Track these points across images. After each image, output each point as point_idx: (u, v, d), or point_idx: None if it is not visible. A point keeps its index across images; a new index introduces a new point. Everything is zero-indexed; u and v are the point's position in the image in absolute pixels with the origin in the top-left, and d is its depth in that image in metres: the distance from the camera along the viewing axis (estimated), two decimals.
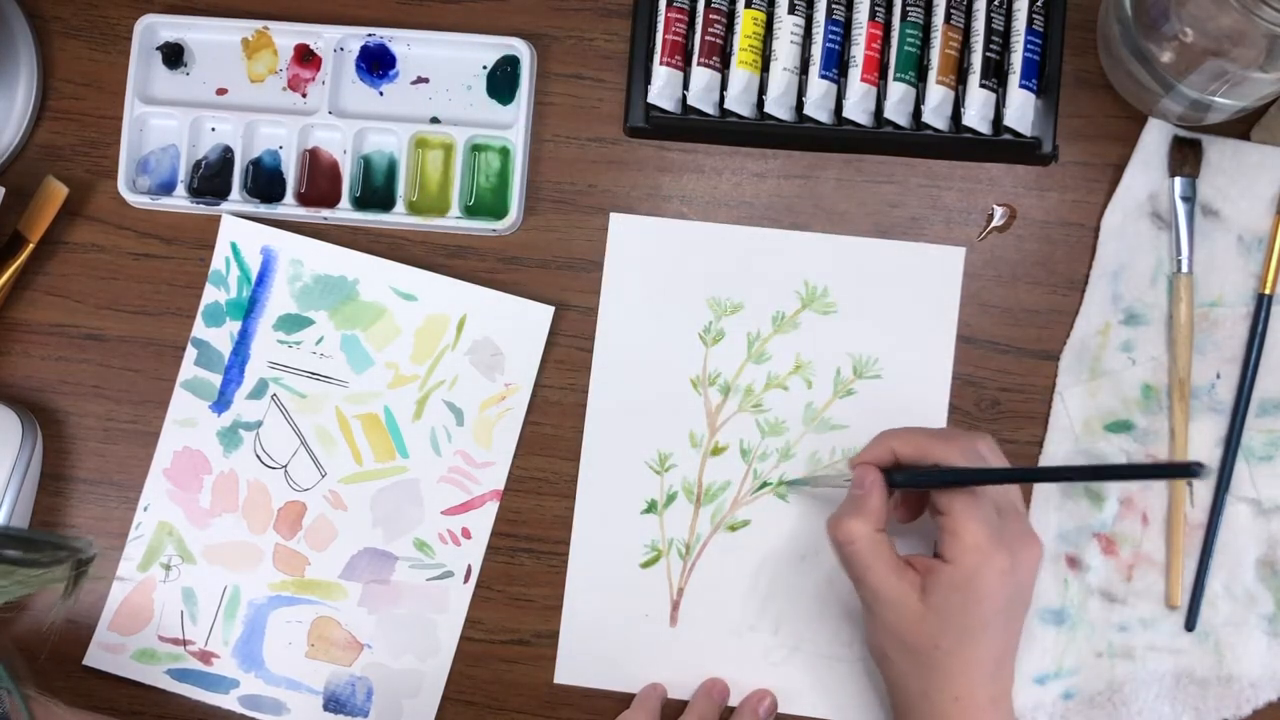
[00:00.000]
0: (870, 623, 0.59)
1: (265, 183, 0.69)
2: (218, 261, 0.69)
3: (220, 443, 0.69)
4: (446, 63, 0.69)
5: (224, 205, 0.68)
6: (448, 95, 0.69)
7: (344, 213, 0.68)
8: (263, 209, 0.68)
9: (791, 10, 0.65)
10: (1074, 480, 0.56)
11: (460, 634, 0.67)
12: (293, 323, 0.68)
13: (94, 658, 0.68)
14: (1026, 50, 0.64)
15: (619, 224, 0.68)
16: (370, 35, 0.68)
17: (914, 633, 0.57)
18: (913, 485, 0.59)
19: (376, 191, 0.69)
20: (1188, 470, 0.49)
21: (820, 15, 0.65)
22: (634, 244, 0.67)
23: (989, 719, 0.57)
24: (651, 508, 0.67)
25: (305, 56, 0.69)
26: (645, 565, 0.67)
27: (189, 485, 0.69)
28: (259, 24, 0.69)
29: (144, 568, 0.69)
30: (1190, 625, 0.64)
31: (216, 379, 0.69)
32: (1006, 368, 0.66)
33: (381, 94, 0.69)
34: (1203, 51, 0.57)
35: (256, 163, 0.69)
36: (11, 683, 0.57)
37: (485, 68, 0.69)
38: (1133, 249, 0.65)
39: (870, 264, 0.67)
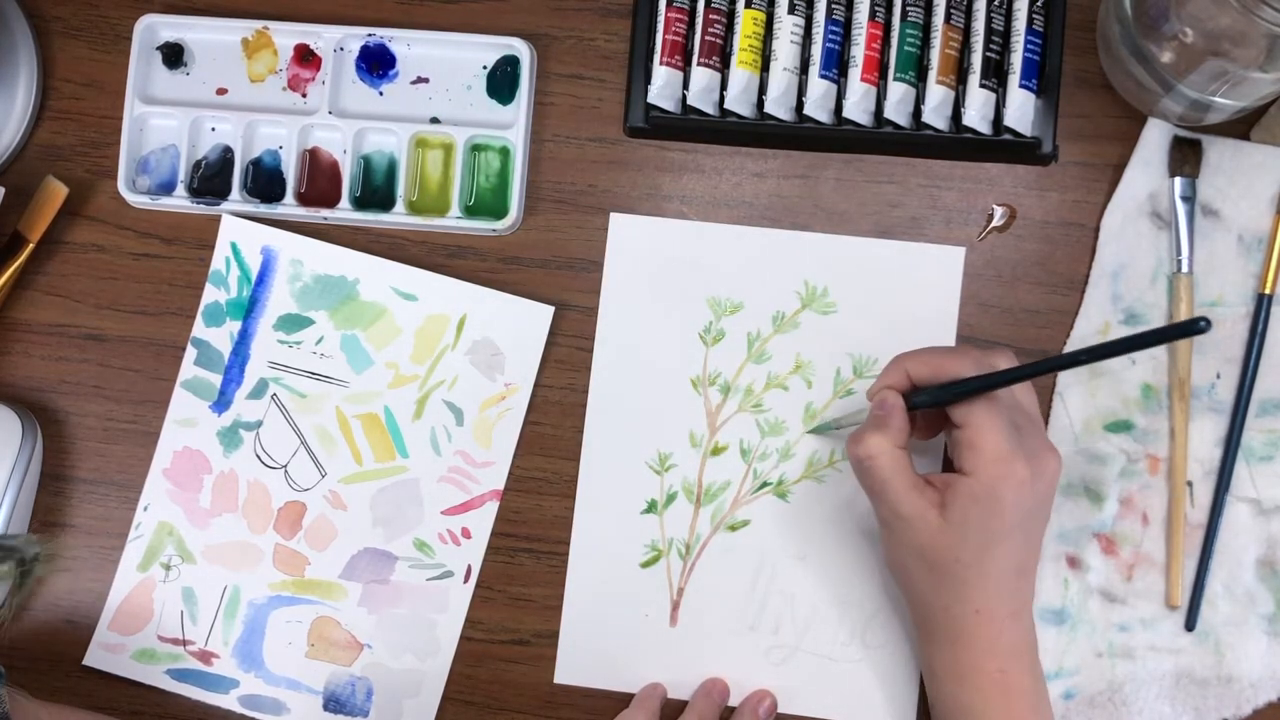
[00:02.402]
0: (889, 540, 0.59)
1: (265, 183, 0.69)
2: (218, 261, 0.69)
3: (220, 443, 0.69)
4: (446, 63, 0.69)
5: (224, 205, 0.68)
6: (448, 95, 0.69)
7: (344, 213, 0.68)
8: (263, 209, 0.68)
9: (791, 10, 0.65)
10: (1085, 362, 0.52)
11: (460, 634, 0.67)
12: (293, 323, 0.68)
13: (94, 658, 0.68)
14: (1026, 50, 0.64)
15: (619, 224, 0.68)
16: (370, 35, 0.68)
17: (934, 547, 0.57)
18: (931, 404, 0.58)
19: (376, 191, 0.69)
20: (1194, 327, 0.48)
21: (820, 15, 0.65)
22: (634, 244, 0.67)
23: (1010, 632, 0.57)
24: (651, 508, 0.67)
25: (305, 56, 0.69)
26: (645, 565, 0.67)
27: (189, 485, 0.69)
28: (259, 24, 0.69)
29: (144, 568, 0.69)
30: (1190, 625, 0.64)
31: (216, 379, 0.69)
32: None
33: (381, 94, 0.69)
34: (1203, 51, 0.57)
35: (256, 163, 0.69)
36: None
37: (485, 68, 0.69)
38: (1133, 249, 0.65)
39: (870, 264, 0.67)
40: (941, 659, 0.59)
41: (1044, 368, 0.56)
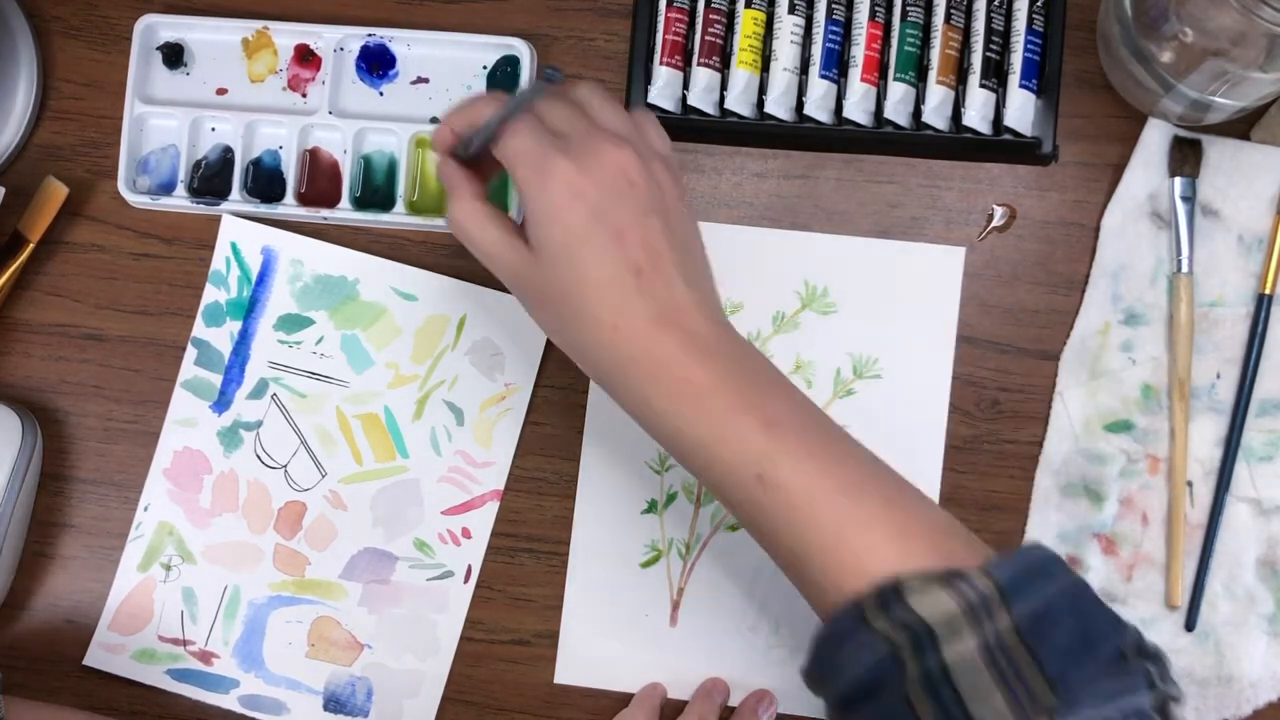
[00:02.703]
0: (520, 301, 0.55)
1: (265, 183, 0.69)
2: (218, 261, 0.69)
3: (220, 443, 0.69)
4: (446, 63, 0.69)
5: (224, 205, 0.68)
6: (448, 95, 0.69)
7: (344, 213, 0.68)
8: (263, 209, 0.68)
9: (791, 10, 0.65)
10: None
11: (460, 634, 0.67)
12: (293, 323, 0.68)
13: (94, 658, 0.68)
14: (1026, 50, 0.64)
15: None
16: (370, 35, 0.68)
17: (535, 283, 0.52)
18: (474, 151, 0.54)
19: (376, 191, 0.69)
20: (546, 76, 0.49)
21: (820, 15, 0.65)
22: None
23: (658, 341, 0.50)
24: (652, 508, 0.67)
25: (305, 56, 0.69)
26: (645, 565, 0.67)
27: (189, 485, 0.69)
28: (259, 24, 0.69)
29: (144, 568, 0.69)
30: (1190, 625, 0.64)
31: (216, 379, 0.69)
32: (1006, 368, 0.66)
33: (381, 94, 0.69)
34: (1203, 51, 0.57)
35: (256, 163, 0.69)
36: None
37: (485, 68, 0.69)
38: (1133, 249, 0.65)
39: (870, 264, 0.67)
40: (625, 401, 0.53)
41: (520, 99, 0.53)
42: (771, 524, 0.50)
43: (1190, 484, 0.65)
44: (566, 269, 0.51)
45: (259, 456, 0.68)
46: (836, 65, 0.65)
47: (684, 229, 0.53)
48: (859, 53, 0.65)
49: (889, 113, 0.65)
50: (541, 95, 0.54)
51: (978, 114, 0.64)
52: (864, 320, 0.66)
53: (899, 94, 0.65)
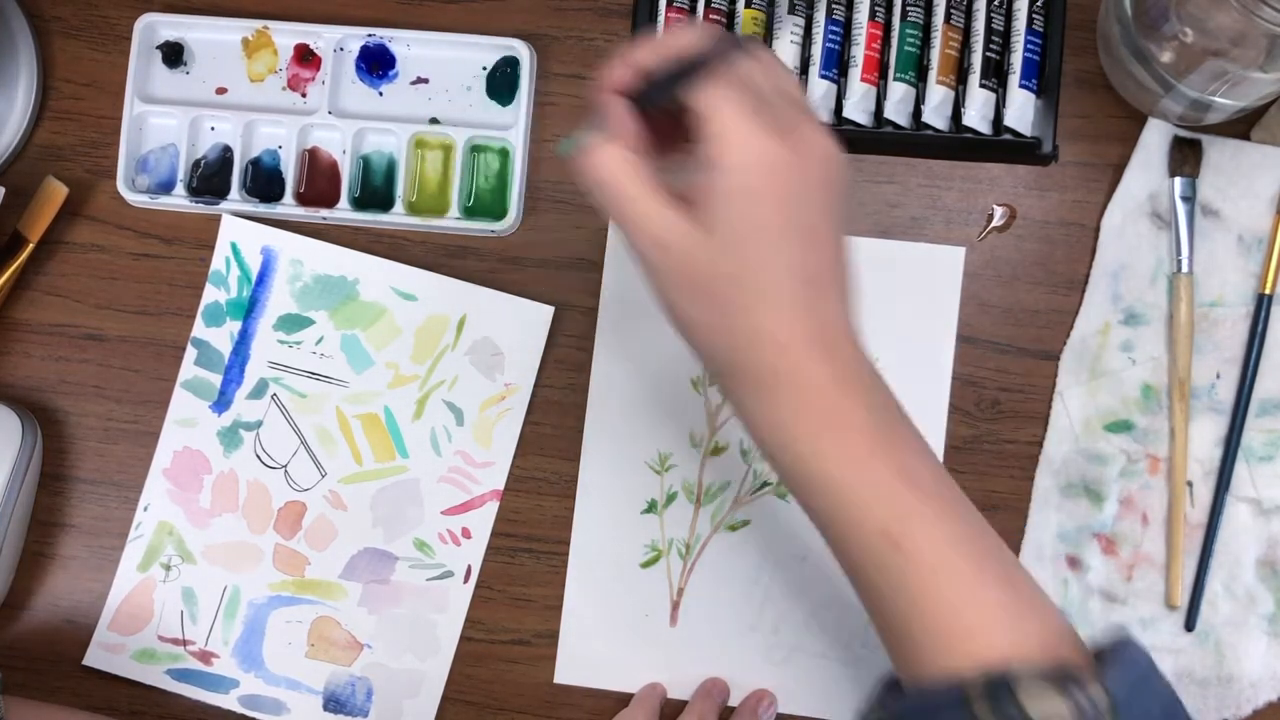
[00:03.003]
0: (649, 278, 0.47)
1: (264, 182, 0.69)
2: (218, 261, 0.69)
3: (220, 443, 0.69)
4: (446, 63, 0.69)
5: (223, 205, 0.68)
6: (447, 96, 0.69)
7: (343, 213, 0.68)
8: (262, 209, 0.68)
9: (791, 10, 0.65)
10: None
11: (460, 634, 0.67)
12: (293, 323, 0.68)
13: (94, 658, 0.68)
14: (1026, 50, 0.64)
15: None
16: (370, 35, 0.68)
17: (694, 265, 0.45)
18: (661, 94, 0.46)
19: (375, 192, 0.69)
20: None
21: (820, 15, 0.65)
22: None
23: (813, 361, 0.46)
24: (651, 508, 0.67)
25: (305, 56, 0.69)
26: (645, 565, 0.67)
27: (189, 485, 0.69)
28: (259, 24, 0.69)
29: (144, 568, 0.69)
30: (1190, 625, 0.64)
31: (216, 379, 0.69)
32: (1006, 368, 0.66)
33: (381, 94, 0.69)
34: (1203, 51, 0.57)
35: (256, 162, 0.69)
36: None
37: (485, 68, 0.69)
38: (1133, 249, 0.65)
39: (870, 264, 0.66)
40: (750, 413, 0.48)
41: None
42: (885, 581, 0.46)
43: (1190, 484, 0.65)
44: (740, 258, 0.45)
45: (259, 456, 0.68)
46: (836, 65, 0.65)
47: (847, 243, 0.49)
48: (859, 53, 0.65)
49: (889, 113, 0.65)
50: (751, 51, 0.47)
51: (978, 114, 0.64)
52: (864, 320, 0.66)
53: (899, 94, 0.65)
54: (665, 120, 0.48)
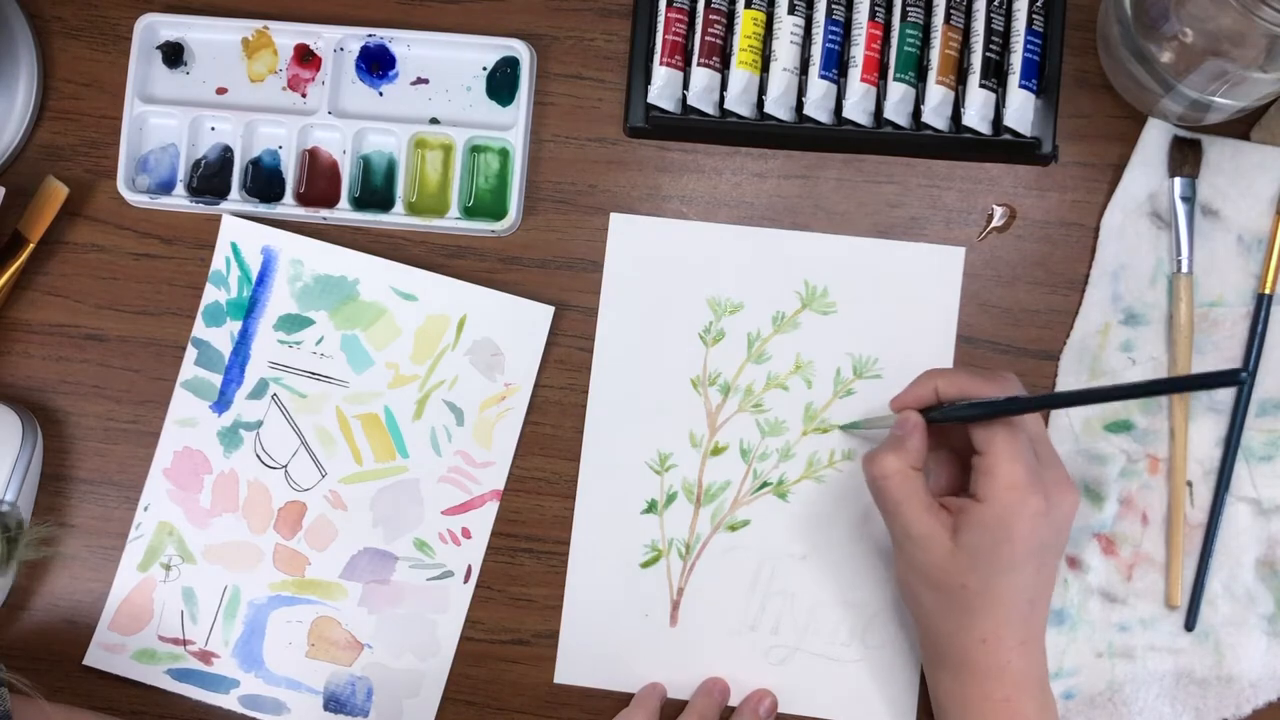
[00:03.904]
0: (900, 560, 0.59)
1: (264, 182, 0.69)
2: (218, 261, 0.69)
3: (220, 443, 0.69)
4: (446, 63, 0.69)
5: (223, 205, 0.68)
6: (447, 96, 0.69)
7: (343, 213, 0.68)
8: (262, 209, 0.68)
9: (791, 10, 0.65)
10: (1120, 398, 0.54)
11: (460, 634, 0.67)
12: (293, 323, 0.68)
13: (94, 658, 0.69)
14: (1026, 50, 0.64)
15: (619, 224, 0.68)
16: (370, 35, 0.68)
17: (942, 571, 0.56)
18: (951, 419, 0.58)
19: (375, 192, 0.69)
20: (1232, 378, 0.49)
21: (820, 15, 0.65)
22: (634, 244, 0.67)
23: (1018, 662, 0.57)
24: (651, 508, 0.67)
25: (305, 56, 0.69)
26: (645, 565, 0.67)
27: (189, 485, 0.69)
28: (259, 24, 0.69)
29: (144, 568, 0.69)
30: (1190, 625, 0.64)
31: (217, 379, 0.69)
32: (1006, 368, 0.66)
33: (381, 94, 0.69)
34: (1203, 51, 0.57)
35: (256, 162, 0.69)
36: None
37: (485, 69, 0.69)
38: (1133, 249, 0.65)
39: (870, 264, 0.67)
40: (947, 686, 0.59)
41: (1073, 400, 0.56)
42: None
43: (1190, 484, 0.65)
44: (980, 577, 0.56)
45: (259, 456, 0.68)
46: (836, 65, 0.65)
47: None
48: (859, 53, 0.65)
49: (889, 113, 0.65)
50: (1035, 411, 0.57)
51: (977, 114, 0.64)
52: (864, 320, 0.66)
53: (899, 94, 0.65)
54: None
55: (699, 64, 0.65)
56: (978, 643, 0.57)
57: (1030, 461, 0.56)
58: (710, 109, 0.66)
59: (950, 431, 0.60)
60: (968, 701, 0.58)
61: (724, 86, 0.66)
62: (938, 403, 0.59)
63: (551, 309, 0.67)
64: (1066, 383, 0.65)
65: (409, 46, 0.69)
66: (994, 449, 0.56)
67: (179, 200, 0.69)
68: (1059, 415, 0.65)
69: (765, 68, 0.65)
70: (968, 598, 0.56)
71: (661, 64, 0.66)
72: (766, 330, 0.67)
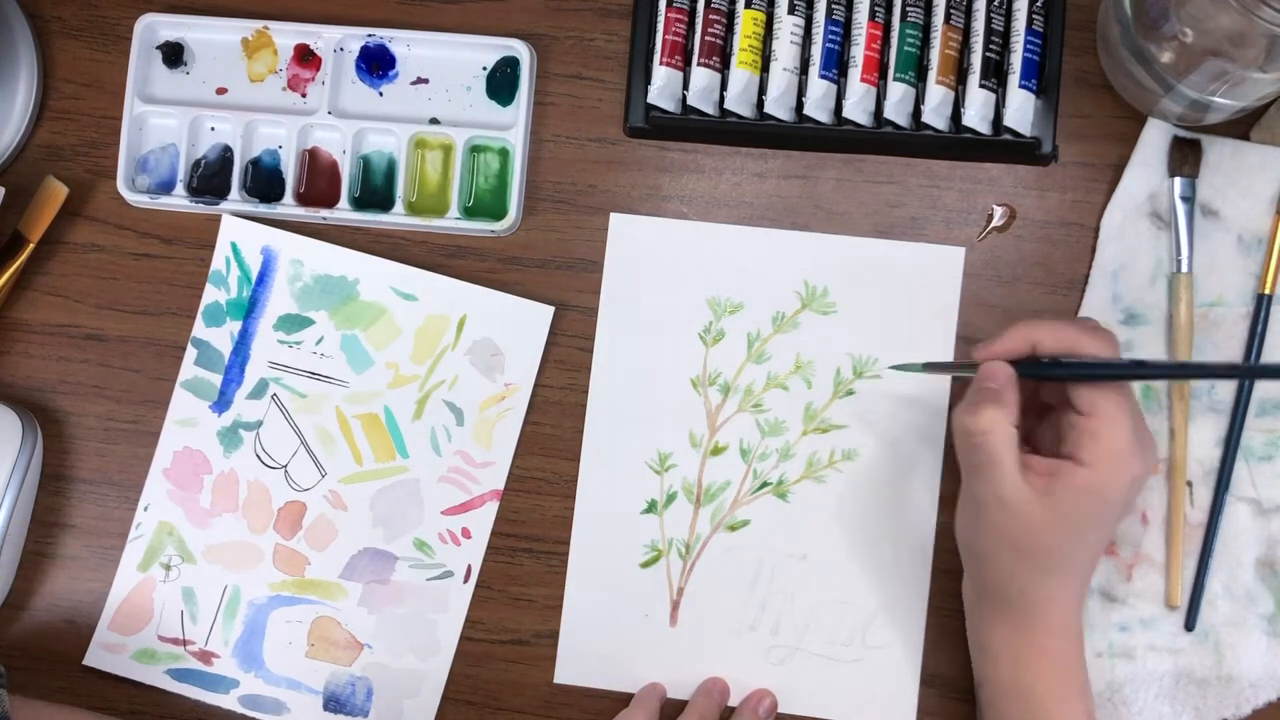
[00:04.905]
0: (975, 518, 0.57)
1: (264, 182, 0.69)
2: (218, 261, 0.69)
3: (220, 443, 0.69)
4: (446, 63, 0.69)
5: (223, 205, 0.68)
6: (447, 96, 0.69)
7: (343, 213, 0.68)
8: (262, 209, 0.68)
9: (791, 10, 0.65)
10: (1252, 377, 0.55)
11: (460, 634, 0.67)
12: (293, 323, 0.68)
13: (94, 658, 0.68)
14: (1026, 50, 0.64)
15: (619, 224, 0.68)
16: (370, 35, 0.68)
17: (1029, 533, 0.55)
18: (1069, 377, 0.55)
19: (375, 192, 0.69)
20: None
21: (820, 15, 0.65)
22: (634, 244, 0.67)
23: (1075, 618, 0.57)
24: (651, 508, 0.67)
25: (305, 56, 0.69)
26: (645, 565, 0.67)
27: (189, 485, 0.69)
28: (259, 24, 0.69)
29: (144, 568, 0.69)
30: (1190, 625, 0.64)
31: (217, 379, 0.69)
32: None
33: (381, 94, 0.69)
34: (1203, 51, 0.57)
35: (256, 162, 0.69)
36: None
37: (485, 69, 0.69)
38: (1133, 249, 0.65)
39: (870, 264, 0.67)
40: (1003, 636, 0.58)
41: (1206, 372, 0.56)
42: None
43: (1190, 484, 0.65)
44: (1064, 536, 0.55)
45: (259, 456, 0.68)
46: (836, 65, 0.65)
47: None
48: (859, 53, 0.65)
49: (889, 113, 0.65)
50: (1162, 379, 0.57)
51: (977, 114, 0.64)
52: (864, 320, 0.66)
53: (899, 94, 0.65)
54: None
55: (699, 64, 0.65)
56: (1047, 600, 0.56)
57: (1135, 425, 0.55)
58: (710, 109, 0.66)
59: (1032, 383, 0.58)
60: (1023, 654, 0.57)
61: (724, 86, 0.66)
62: (1033, 356, 0.56)
63: (551, 309, 0.67)
64: None
65: (409, 46, 0.69)
66: (1103, 412, 0.54)
67: (179, 200, 0.69)
68: None
69: (765, 68, 0.65)
70: (1049, 559, 0.55)
71: (661, 64, 0.66)
72: (766, 330, 0.67)
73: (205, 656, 0.68)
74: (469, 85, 0.69)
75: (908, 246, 0.67)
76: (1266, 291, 0.64)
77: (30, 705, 0.64)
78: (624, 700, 0.66)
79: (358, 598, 0.68)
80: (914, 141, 0.65)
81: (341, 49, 0.69)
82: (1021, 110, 0.64)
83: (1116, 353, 0.56)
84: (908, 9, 0.64)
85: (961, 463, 0.57)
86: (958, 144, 0.65)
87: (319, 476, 0.68)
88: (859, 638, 0.66)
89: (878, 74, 0.65)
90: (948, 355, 0.66)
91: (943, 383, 0.66)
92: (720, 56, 0.66)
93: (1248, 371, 0.62)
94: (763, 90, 0.65)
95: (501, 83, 0.68)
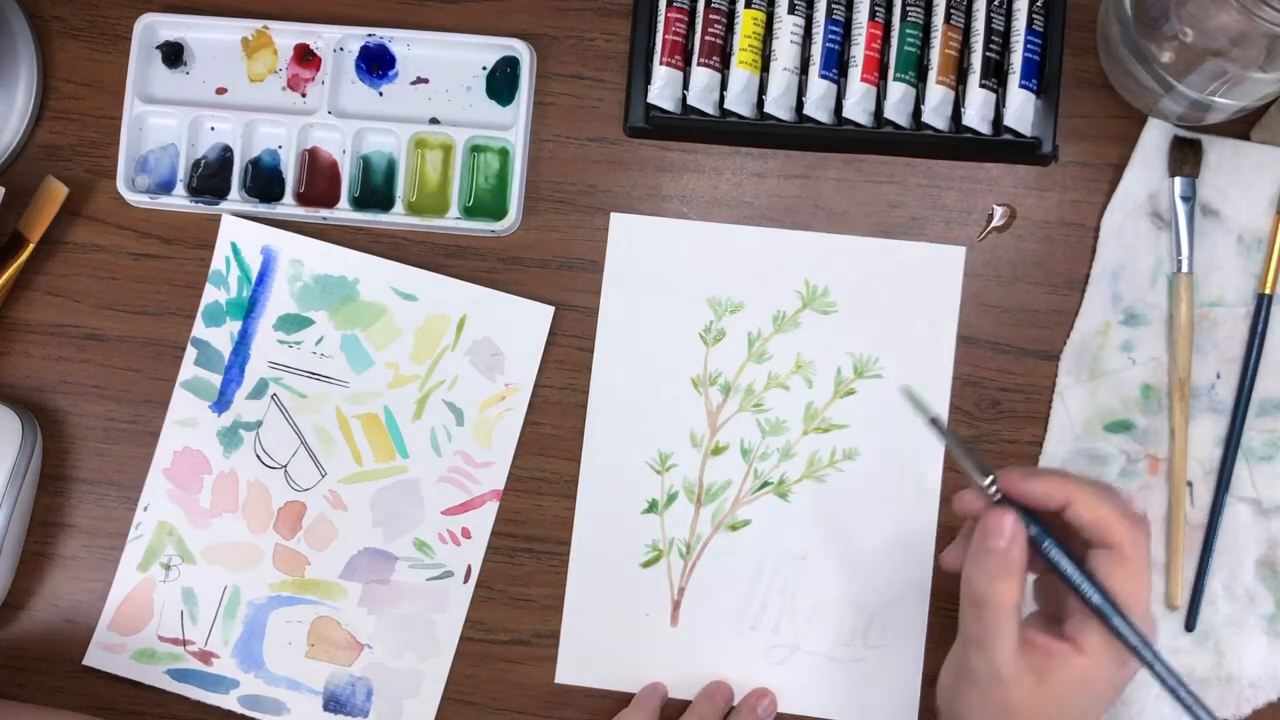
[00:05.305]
0: (967, 689, 0.54)
1: (264, 182, 0.69)
2: (218, 261, 0.69)
3: (220, 443, 0.69)
4: (446, 63, 0.69)
5: (223, 205, 0.68)
6: (447, 96, 0.69)
7: (343, 213, 0.68)
8: (262, 209, 0.68)
9: (791, 10, 0.65)
10: None
11: (460, 634, 0.67)
12: (293, 323, 0.68)
13: (94, 658, 0.68)
14: (1026, 50, 0.64)
15: (619, 224, 0.68)
16: (370, 35, 0.68)
17: (1012, 702, 0.52)
18: (1074, 587, 0.51)
19: (375, 192, 0.69)
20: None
21: (820, 15, 0.65)
22: (634, 244, 0.68)
23: None
24: (652, 507, 0.67)
25: (305, 56, 0.69)
26: (646, 565, 0.67)
27: (189, 485, 0.69)
28: (259, 24, 0.69)
29: (144, 568, 0.69)
30: (1190, 625, 0.64)
31: (216, 379, 0.69)
32: (1006, 368, 0.66)
33: (381, 94, 0.69)
34: (1203, 51, 0.57)
35: (255, 162, 0.69)
36: None
37: (485, 68, 0.69)
38: (1133, 249, 0.65)
39: (870, 264, 0.67)
40: None
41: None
42: None
43: (1190, 484, 0.65)
44: (1051, 718, 0.52)
45: (259, 456, 0.68)
46: (836, 65, 0.65)
47: None
48: (859, 53, 0.65)
49: (889, 113, 0.65)
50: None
51: (977, 114, 0.64)
52: (864, 320, 0.66)
53: (899, 94, 0.65)
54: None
55: (699, 64, 0.65)
56: None
57: (1147, 613, 0.52)
58: (710, 109, 0.66)
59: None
60: None
61: (724, 86, 0.66)
62: (1055, 514, 0.52)
63: (551, 309, 0.67)
64: (1066, 382, 0.65)
65: (409, 46, 0.69)
66: (1121, 599, 0.51)
67: (179, 200, 0.69)
68: (1058, 414, 0.65)
69: (765, 67, 0.65)
70: None
71: (661, 64, 0.66)
72: (767, 330, 0.67)
73: (205, 656, 0.68)
74: (469, 85, 0.69)
75: (908, 246, 0.67)
76: (1267, 291, 0.64)
77: (13, 707, 0.64)
78: (624, 700, 0.66)
79: (358, 598, 0.68)
80: (914, 141, 0.65)
81: (341, 49, 0.69)
82: (1021, 110, 0.64)
83: (1148, 544, 0.52)
84: (908, 9, 0.64)
85: (962, 626, 0.53)
86: (958, 144, 0.65)
87: (319, 476, 0.68)
88: (860, 638, 0.66)
89: (878, 74, 0.65)
90: (947, 353, 0.66)
91: (944, 383, 0.66)
92: (720, 56, 0.66)
93: None
94: (763, 90, 0.65)
95: (501, 83, 0.68)
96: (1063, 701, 0.52)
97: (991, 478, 0.52)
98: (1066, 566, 0.51)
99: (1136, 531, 0.52)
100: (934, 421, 0.54)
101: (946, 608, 0.65)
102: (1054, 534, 0.52)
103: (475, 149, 0.68)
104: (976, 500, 0.53)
